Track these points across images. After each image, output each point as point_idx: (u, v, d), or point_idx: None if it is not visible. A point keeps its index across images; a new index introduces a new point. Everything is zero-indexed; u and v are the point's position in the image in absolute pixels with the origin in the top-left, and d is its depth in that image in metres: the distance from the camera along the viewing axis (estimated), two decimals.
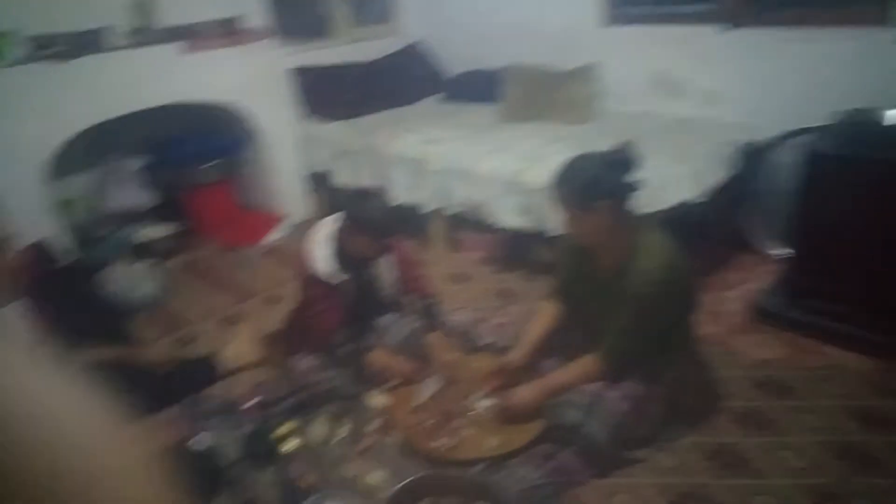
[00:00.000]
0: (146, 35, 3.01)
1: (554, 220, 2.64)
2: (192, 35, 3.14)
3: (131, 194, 3.32)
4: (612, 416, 1.74)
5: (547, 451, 1.80)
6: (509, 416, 1.89)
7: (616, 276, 1.73)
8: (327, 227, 2.16)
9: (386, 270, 2.24)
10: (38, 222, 2.68)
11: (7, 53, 2.54)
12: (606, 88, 3.48)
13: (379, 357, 2.13)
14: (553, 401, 1.83)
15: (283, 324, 2.49)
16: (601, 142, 2.83)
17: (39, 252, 2.56)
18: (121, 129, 3.04)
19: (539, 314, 2.07)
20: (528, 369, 2.00)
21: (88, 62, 2.74)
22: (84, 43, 2.79)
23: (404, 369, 2.12)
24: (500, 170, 2.85)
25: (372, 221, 2.03)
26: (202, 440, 1.97)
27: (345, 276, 2.13)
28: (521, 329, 2.21)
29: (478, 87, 3.94)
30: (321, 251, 2.13)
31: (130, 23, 2.97)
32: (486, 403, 2.00)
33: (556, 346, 2.02)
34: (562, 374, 1.85)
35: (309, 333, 2.25)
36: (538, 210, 2.72)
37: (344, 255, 2.12)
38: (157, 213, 3.47)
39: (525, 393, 1.85)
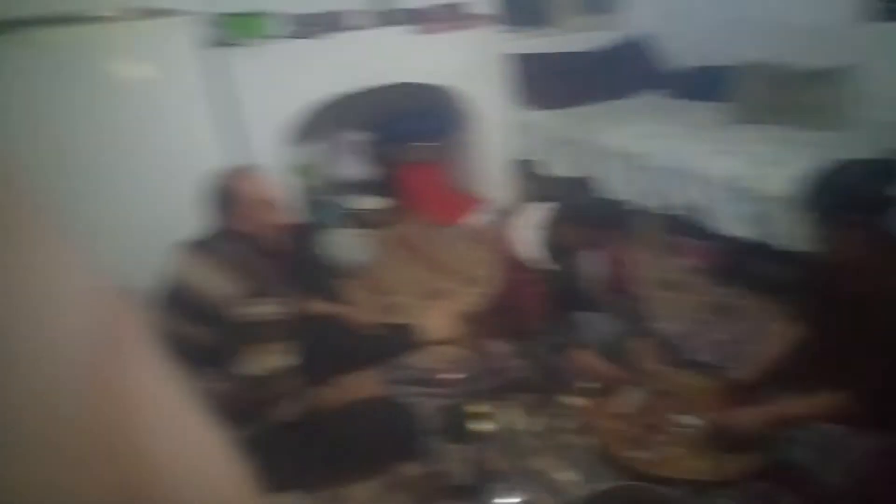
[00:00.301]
0: (383, 17, 3.21)
1: (788, 233, 2.42)
2: (423, 18, 3.30)
3: (355, 166, 3.60)
4: (853, 465, 1.56)
5: (761, 488, 1.66)
6: (724, 439, 1.76)
7: (876, 304, 1.54)
8: (538, 214, 2.17)
9: (594, 265, 2.20)
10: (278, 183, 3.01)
11: (268, 30, 2.86)
12: (861, 93, 3.11)
13: (584, 357, 2.08)
14: (777, 433, 1.69)
15: (483, 306, 2.56)
16: (851, 151, 2.56)
17: None
18: (352, 104, 3.30)
19: (774, 336, 1.91)
20: (751, 394, 1.86)
21: (337, 40, 3.00)
22: (330, 22, 3.05)
23: (608, 374, 2.05)
24: (728, 173, 2.66)
25: (586, 212, 2.01)
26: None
27: (551, 266, 2.13)
28: (739, 350, 2.07)
29: (705, 84, 3.71)
30: (530, 237, 2.13)
31: (371, 5, 3.20)
32: (693, 422, 1.89)
33: (788, 375, 1.86)
34: (797, 405, 1.68)
35: (508, 319, 2.28)
36: (770, 220, 2.51)
37: (553, 243, 2.11)
38: (374, 186, 3.73)
39: (748, 416, 1.72)
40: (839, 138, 2.83)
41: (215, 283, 1.67)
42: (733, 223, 2.66)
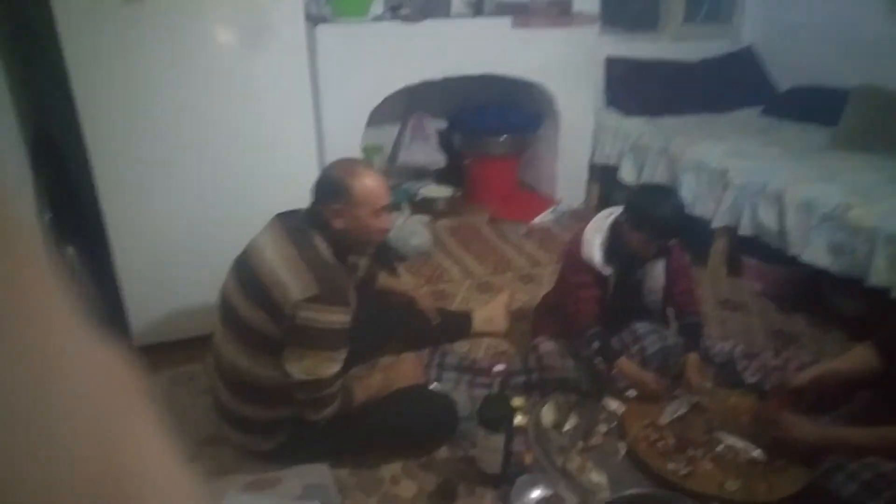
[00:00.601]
0: (483, 6, 3.28)
1: (876, 269, 2.36)
2: (522, 11, 3.33)
3: (425, 153, 3.67)
4: None
5: None
6: (775, 447, 1.75)
7: None
8: (609, 218, 2.17)
9: (656, 275, 2.18)
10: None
11: (369, 10, 2.97)
12: None
13: (626, 365, 2.08)
14: (826, 459, 1.64)
15: (537, 303, 2.57)
16: None
17: None
18: (431, 89, 3.37)
19: (849, 354, 1.86)
20: (798, 404, 1.82)
21: (429, 26, 3.06)
22: (430, 8, 3.11)
23: (650, 386, 2.05)
24: (818, 199, 2.59)
25: (657, 218, 1.99)
26: (440, 387, 2.16)
27: (612, 270, 2.13)
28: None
29: (809, 105, 3.63)
30: (595, 240, 2.15)
31: None
32: (733, 442, 1.87)
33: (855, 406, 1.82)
34: (864, 433, 1.64)
35: (559, 318, 2.28)
36: (856, 252, 2.44)
37: (617, 248, 2.12)
38: (442, 175, 3.80)
39: (807, 429, 1.69)
40: None
41: (288, 279, 1.66)
42: (815, 251, 2.58)
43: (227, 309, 1.79)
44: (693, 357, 2.12)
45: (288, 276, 1.65)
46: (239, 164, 2.33)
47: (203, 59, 2.18)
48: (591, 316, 2.14)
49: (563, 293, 2.29)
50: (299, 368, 1.66)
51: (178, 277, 2.37)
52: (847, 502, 1.53)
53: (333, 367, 1.69)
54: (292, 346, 1.67)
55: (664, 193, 2.11)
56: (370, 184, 1.74)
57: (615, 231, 2.13)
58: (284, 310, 1.63)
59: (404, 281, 2.52)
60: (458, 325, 2.52)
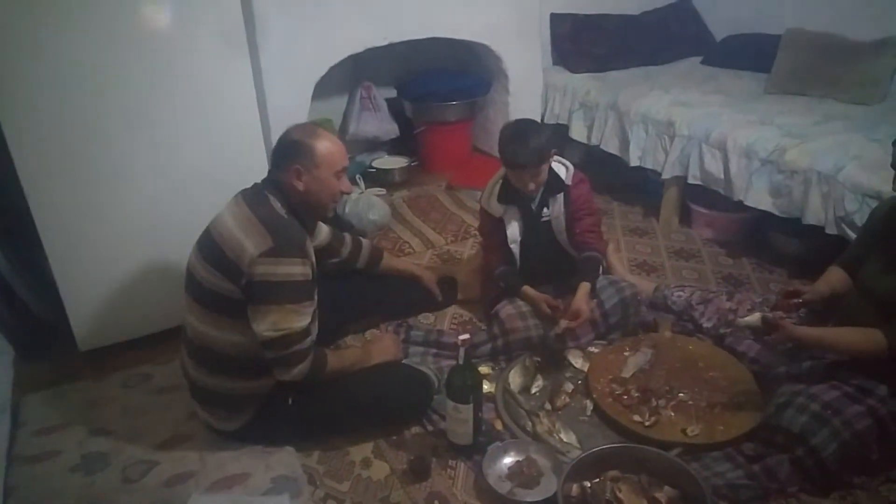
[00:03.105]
0: None
1: (812, 207, 2.50)
2: None
3: (376, 124, 3.64)
4: (846, 432, 1.61)
5: (756, 451, 1.71)
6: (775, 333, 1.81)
7: None
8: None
9: (558, 214, 2.26)
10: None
11: None
12: None
13: (529, 291, 2.24)
14: (780, 399, 1.75)
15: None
16: (887, 127, 2.58)
17: None
18: (377, 59, 3.32)
19: (825, 275, 2.03)
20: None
21: None
22: None
23: (543, 306, 2.18)
24: (757, 144, 2.69)
25: (505, 147, 2.09)
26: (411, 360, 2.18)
27: (515, 213, 2.25)
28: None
29: (745, 53, 3.71)
30: (496, 186, 2.27)
31: None
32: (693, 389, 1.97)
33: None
34: (842, 333, 1.77)
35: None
36: (793, 193, 2.56)
37: (509, 189, 2.23)
38: (395, 145, 3.79)
39: (801, 331, 1.78)
40: (874, 112, 2.89)
41: (243, 237, 1.67)
42: (757, 195, 2.70)
43: (189, 277, 1.80)
44: (584, 286, 2.16)
45: (242, 234, 1.67)
46: (177, 152, 2.23)
47: (133, 34, 2.04)
48: (495, 259, 2.32)
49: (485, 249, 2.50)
50: (266, 325, 1.66)
51: (119, 276, 2.27)
52: (800, 435, 1.64)
53: (301, 321, 1.69)
54: (256, 304, 1.66)
55: (518, 123, 2.17)
56: (330, 145, 1.75)
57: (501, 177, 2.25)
58: (242, 268, 1.64)
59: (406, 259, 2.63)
60: (449, 294, 2.60)
